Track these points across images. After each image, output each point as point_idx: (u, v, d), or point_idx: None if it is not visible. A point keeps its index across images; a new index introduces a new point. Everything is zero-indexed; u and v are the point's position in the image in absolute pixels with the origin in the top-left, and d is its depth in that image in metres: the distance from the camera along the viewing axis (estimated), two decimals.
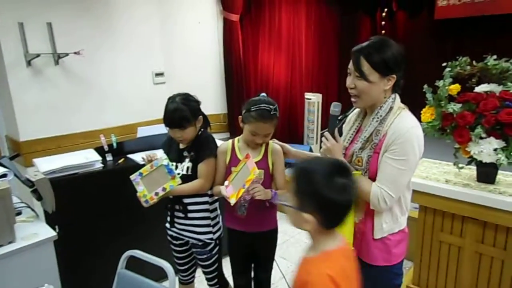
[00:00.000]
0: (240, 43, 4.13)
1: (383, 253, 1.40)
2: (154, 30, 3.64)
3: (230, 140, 1.81)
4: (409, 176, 1.34)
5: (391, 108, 1.32)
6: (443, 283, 2.15)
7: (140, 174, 1.70)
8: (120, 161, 2.39)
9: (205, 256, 1.89)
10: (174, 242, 1.96)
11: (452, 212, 2.02)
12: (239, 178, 1.62)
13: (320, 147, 1.45)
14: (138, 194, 1.70)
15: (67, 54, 2.94)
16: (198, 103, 1.81)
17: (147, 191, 1.70)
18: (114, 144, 2.44)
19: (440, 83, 1.94)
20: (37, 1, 2.85)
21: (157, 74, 3.68)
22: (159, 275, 1.60)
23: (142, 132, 2.66)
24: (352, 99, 1.37)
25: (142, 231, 2.39)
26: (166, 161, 1.71)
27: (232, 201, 1.58)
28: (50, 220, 1.94)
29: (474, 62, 1.94)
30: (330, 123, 1.39)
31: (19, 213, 1.88)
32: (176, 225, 1.89)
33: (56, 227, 1.92)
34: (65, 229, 1.98)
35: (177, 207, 1.85)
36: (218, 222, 1.92)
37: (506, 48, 2.07)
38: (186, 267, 2.03)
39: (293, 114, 4.77)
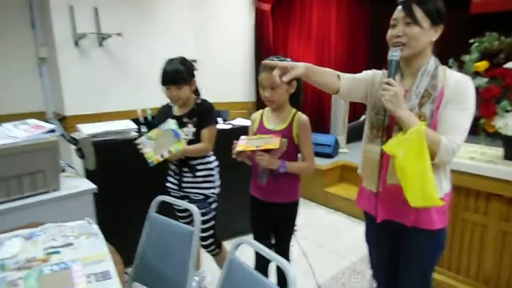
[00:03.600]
0: (270, 33, 4.23)
1: (440, 215, 1.37)
2: (189, 17, 3.83)
3: (261, 110, 1.90)
4: (469, 126, 1.32)
5: (437, 66, 1.34)
6: (467, 263, 2.13)
7: (149, 137, 1.86)
8: None
9: (204, 210, 1.98)
10: (180, 214, 2.13)
11: (476, 188, 2.01)
12: (258, 140, 1.69)
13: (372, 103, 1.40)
14: (145, 155, 1.85)
15: (110, 35, 3.19)
16: (193, 66, 1.97)
17: (153, 153, 1.84)
18: (149, 117, 2.61)
19: (466, 57, 1.94)
20: None
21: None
22: None
23: None
24: (393, 49, 1.31)
25: None
26: (174, 126, 1.84)
27: (237, 149, 1.66)
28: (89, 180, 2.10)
29: (502, 38, 1.94)
30: (389, 70, 1.31)
31: (62, 170, 2.05)
32: (183, 185, 2.02)
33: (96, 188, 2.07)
34: (102, 190, 2.13)
35: (185, 169, 2.00)
36: (218, 179, 2.07)
37: None
38: None
39: (321, 106, 4.80)
